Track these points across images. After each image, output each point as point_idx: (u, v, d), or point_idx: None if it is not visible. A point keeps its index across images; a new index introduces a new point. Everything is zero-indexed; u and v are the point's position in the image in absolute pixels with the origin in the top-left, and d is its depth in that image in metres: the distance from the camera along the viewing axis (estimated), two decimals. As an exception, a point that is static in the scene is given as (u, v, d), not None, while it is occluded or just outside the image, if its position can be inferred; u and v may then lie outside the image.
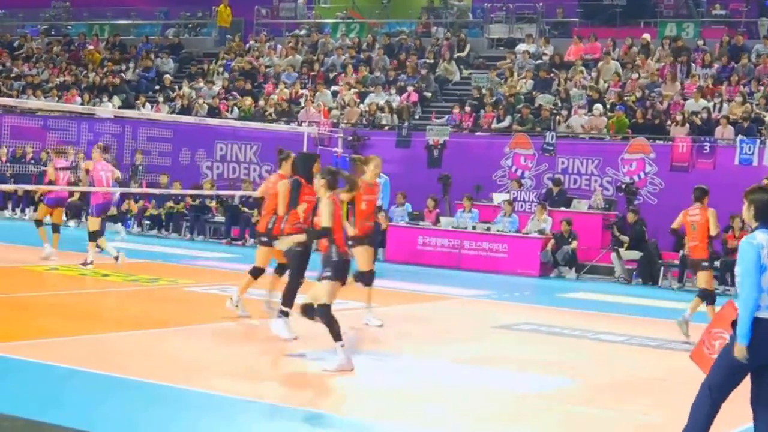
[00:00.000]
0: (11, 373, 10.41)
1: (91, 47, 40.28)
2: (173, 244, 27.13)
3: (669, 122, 27.04)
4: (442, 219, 25.58)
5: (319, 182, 11.81)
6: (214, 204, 29.34)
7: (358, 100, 31.50)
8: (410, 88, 31.40)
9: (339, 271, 11.48)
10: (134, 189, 24.45)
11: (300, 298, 12.39)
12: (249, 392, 10.04)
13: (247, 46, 37.72)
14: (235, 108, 32.50)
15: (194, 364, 11.52)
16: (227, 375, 10.91)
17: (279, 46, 36.82)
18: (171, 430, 8.66)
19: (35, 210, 27.13)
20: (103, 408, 9.11)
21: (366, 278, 14.86)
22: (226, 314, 14.62)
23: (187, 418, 9.04)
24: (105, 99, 34.89)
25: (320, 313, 11.28)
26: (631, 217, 24.28)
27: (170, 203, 29.38)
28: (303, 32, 38.34)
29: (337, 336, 11.16)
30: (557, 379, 11.85)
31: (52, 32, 44.29)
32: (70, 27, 44.67)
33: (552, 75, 30.56)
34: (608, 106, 28.20)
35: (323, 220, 11.51)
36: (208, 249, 25.87)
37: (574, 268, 24.36)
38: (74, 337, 12.78)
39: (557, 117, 28.45)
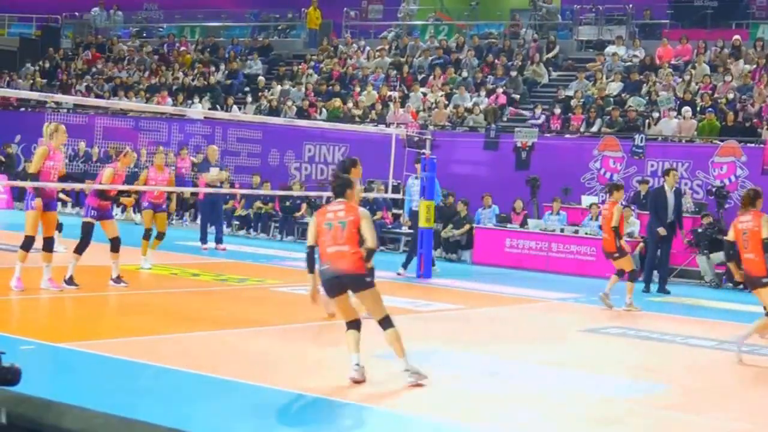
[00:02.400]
0: (104, 370, 10.59)
1: (182, 49, 40.75)
2: (262, 244, 27.34)
3: (761, 125, 26.69)
4: (530, 221, 25.51)
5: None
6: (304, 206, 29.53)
7: (446, 102, 31.53)
8: (499, 90, 31.35)
9: None
10: (224, 190, 24.66)
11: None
12: (334, 393, 10.09)
13: (336, 48, 37.89)
14: (324, 109, 32.69)
15: (280, 363, 11.62)
16: (314, 375, 10.99)
17: (367, 48, 36.95)
18: (259, 429, 8.75)
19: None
20: (193, 406, 9.24)
21: None
22: (312, 314, 14.73)
23: (275, 418, 9.12)
24: (195, 100, 35.29)
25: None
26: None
27: (259, 203, 29.62)
28: (391, 34, 38.44)
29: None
30: (646, 383, 11.77)
31: (144, 34, 44.89)
32: (161, 29, 45.23)
33: (642, 77, 30.31)
34: (698, 109, 27.90)
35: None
36: (296, 249, 26.01)
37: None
38: (164, 336, 12.98)
39: (647, 119, 28.22)
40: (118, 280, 16.76)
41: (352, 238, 10.45)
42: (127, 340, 12.30)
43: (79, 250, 16.21)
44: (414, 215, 22.18)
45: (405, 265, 21.74)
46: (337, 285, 10.53)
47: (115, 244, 16.78)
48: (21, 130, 34.91)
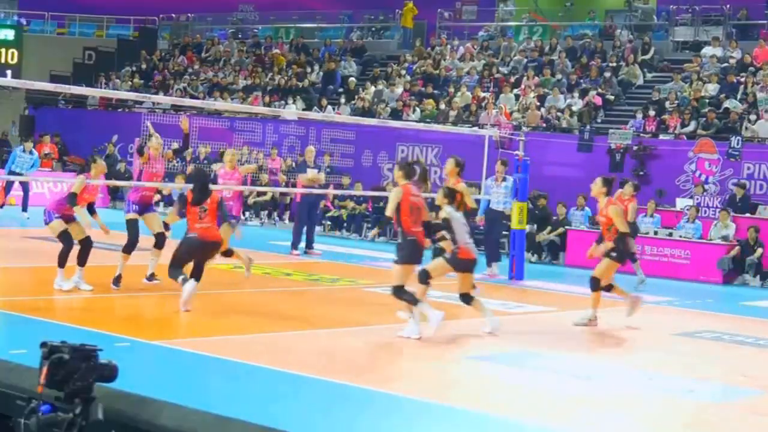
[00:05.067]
0: (198, 368, 10.72)
1: (276, 50, 41.06)
2: (354, 244, 27.43)
3: None
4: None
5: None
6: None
7: (539, 104, 31.41)
8: (593, 92, 31.13)
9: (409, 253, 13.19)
10: (317, 190, 24.69)
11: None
12: (423, 393, 10.10)
13: (434, 48, 37.90)
14: (417, 110, 32.73)
15: (371, 364, 11.67)
16: (403, 376, 11.01)
17: (461, 48, 36.91)
18: (351, 430, 8.79)
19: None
20: (285, 405, 9.31)
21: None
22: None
23: (365, 419, 9.16)
24: (290, 101, 35.54)
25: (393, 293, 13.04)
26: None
27: (352, 204, 29.74)
28: (485, 35, 38.38)
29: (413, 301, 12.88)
30: (742, 388, 11.61)
31: (239, 35, 45.31)
32: (256, 30, 45.62)
33: (740, 78, 29.90)
34: (797, 111, 27.48)
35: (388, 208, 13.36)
36: (388, 250, 26.03)
37: (758, 276, 23.80)
38: (256, 335, 13.08)
39: (744, 122, 27.84)
40: (151, 277, 16.24)
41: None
42: (221, 339, 12.42)
43: (127, 249, 15.72)
44: (492, 215, 22.07)
45: (489, 263, 21.72)
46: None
47: (159, 240, 16.18)
48: (118, 131, 35.37)
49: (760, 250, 23.69)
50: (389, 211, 13.13)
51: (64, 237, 14.83)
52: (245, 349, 11.88)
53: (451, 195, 13.90)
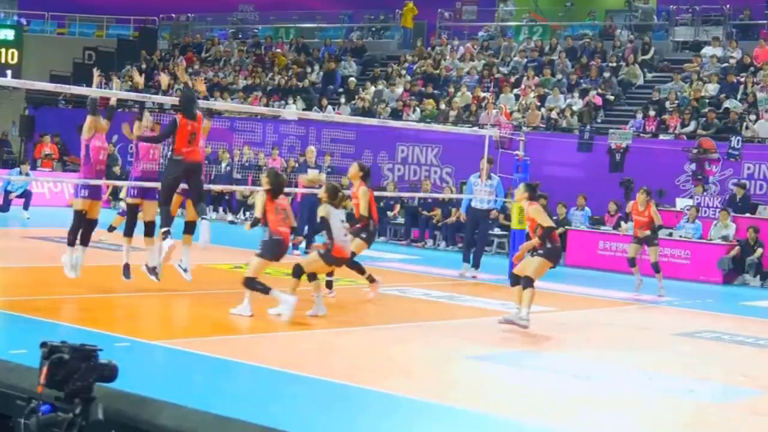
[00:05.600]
0: (198, 368, 10.72)
1: (277, 50, 41.06)
2: (354, 244, 27.38)
3: None
4: (623, 224, 25.26)
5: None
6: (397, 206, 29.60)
7: (539, 104, 31.41)
8: (593, 92, 31.13)
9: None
10: (318, 191, 24.64)
11: None
12: (422, 393, 10.11)
13: (434, 48, 37.90)
14: (417, 110, 32.73)
15: (371, 364, 11.67)
16: (404, 376, 11.01)
17: (461, 48, 36.92)
18: (350, 430, 8.80)
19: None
20: (285, 405, 9.32)
21: None
22: (404, 315, 14.77)
23: (365, 419, 9.17)
24: (290, 101, 35.54)
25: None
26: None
27: (351, 204, 29.70)
28: (485, 35, 38.38)
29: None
30: (742, 388, 11.62)
31: (239, 36, 45.32)
32: (256, 30, 45.63)
33: (740, 78, 29.90)
34: (797, 110, 27.48)
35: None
36: (388, 250, 26.05)
37: (758, 276, 23.80)
38: (256, 335, 13.09)
39: (744, 122, 27.83)
40: (153, 271, 15.63)
41: None
42: (221, 339, 12.43)
43: (127, 232, 15.72)
44: (475, 214, 21.98)
45: (476, 265, 21.64)
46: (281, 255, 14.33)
47: (149, 229, 15.72)
48: (118, 131, 35.26)
49: (760, 250, 23.69)
50: (257, 212, 14.09)
51: (77, 215, 15.12)
52: (245, 349, 11.89)
53: (334, 192, 14.53)
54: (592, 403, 10.34)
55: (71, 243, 15.06)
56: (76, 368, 3.50)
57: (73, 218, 15.17)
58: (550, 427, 9.27)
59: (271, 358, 11.41)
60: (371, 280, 16.34)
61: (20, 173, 28.62)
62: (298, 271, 14.52)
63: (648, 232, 20.27)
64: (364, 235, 16.15)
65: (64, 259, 15.15)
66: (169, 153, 15.06)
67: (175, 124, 14.66)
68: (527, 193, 15.23)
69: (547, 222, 14.89)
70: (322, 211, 14.33)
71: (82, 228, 15.22)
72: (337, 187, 14.86)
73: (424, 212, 28.32)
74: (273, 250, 13.98)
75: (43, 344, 3.55)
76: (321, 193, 14.89)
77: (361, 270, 16.34)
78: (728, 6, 34.31)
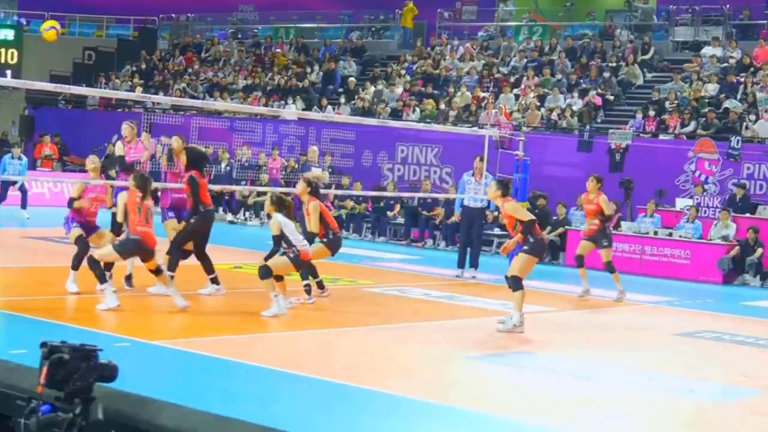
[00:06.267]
0: (198, 368, 10.72)
1: (277, 50, 41.06)
2: (354, 244, 27.40)
3: None
4: (623, 224, 25.28)
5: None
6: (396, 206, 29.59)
7: (539, 104, 31.41)
8: (593, 92, 31.13)
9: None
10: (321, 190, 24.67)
11: None
12: (422, 393, 10.11)
13: (433, 48, 37.90)
14: (417, 110, 32.73)
15: (371, 364, 11.67)
16: (404, 376, 11.01)
17: (461, 48, 36.92)
18: (350, 430, 8.79)
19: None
20: (285, 405, 9.32)
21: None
22: (403, 315, 14.76)
23: (365, 419, 9.17)
24: (290, 101, 35.54)
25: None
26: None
27: (351, 204, 29.73)
28: (485, 35, 38.38)
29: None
30: (742, 388, 11.62)
31: (239, 35, 45.32)
32: (256, 30, 45.62)
33: (740, 78, 29.89)
34: (797, 110, 27.47)
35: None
36: (388, 250, 26.05)
37: (758, 276, 23.80)
38: (257, 335, 13.09)
39: (744, 122, 27.82)
40: (128, 279, 15.89)
41: None
42: (221, 339, 12.43)
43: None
44: (469, 213, 21.92)
45: (474, 265, 21.56)
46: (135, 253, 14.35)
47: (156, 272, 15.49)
48: (118, 131, 35.30)
49: (760, 250, 23.69)
50: (119, 216, 14.15)
51: (80, 241, 15.00)
52: (245, 349, 11.89)
53: (280, 203, 14.56)
54: (592, 403, 10.34)
55: (75, 267, 14.99)
56: (76, 368, 3.50)
57: (77, 245, 15.03)
58: (550, 427, 9.27)
59: (271, 358, 11.41)
60: (320, 286, 16.23)
61: (12, 157, 28.74)
62: (265, 272, 14.19)
63: (595, 225, 19.36)
64: (324, 240, 15.92)
65: (68, 285, 15.02)
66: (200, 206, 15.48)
67: (196, 184, 15.41)
68: (500, 191, 14.68)
69: (526, 216, 14.60)
70: (274, 227, 14.28)
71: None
72: (281, 196, 14.92)
73: (424, 212, 28.35)
74: (126, 247, 14.03)
75: (43, 344, 3.55)
76: (267, 206, 14.98)
77: (314, 274, 16.19)
78: (728, 6, 34.31)
